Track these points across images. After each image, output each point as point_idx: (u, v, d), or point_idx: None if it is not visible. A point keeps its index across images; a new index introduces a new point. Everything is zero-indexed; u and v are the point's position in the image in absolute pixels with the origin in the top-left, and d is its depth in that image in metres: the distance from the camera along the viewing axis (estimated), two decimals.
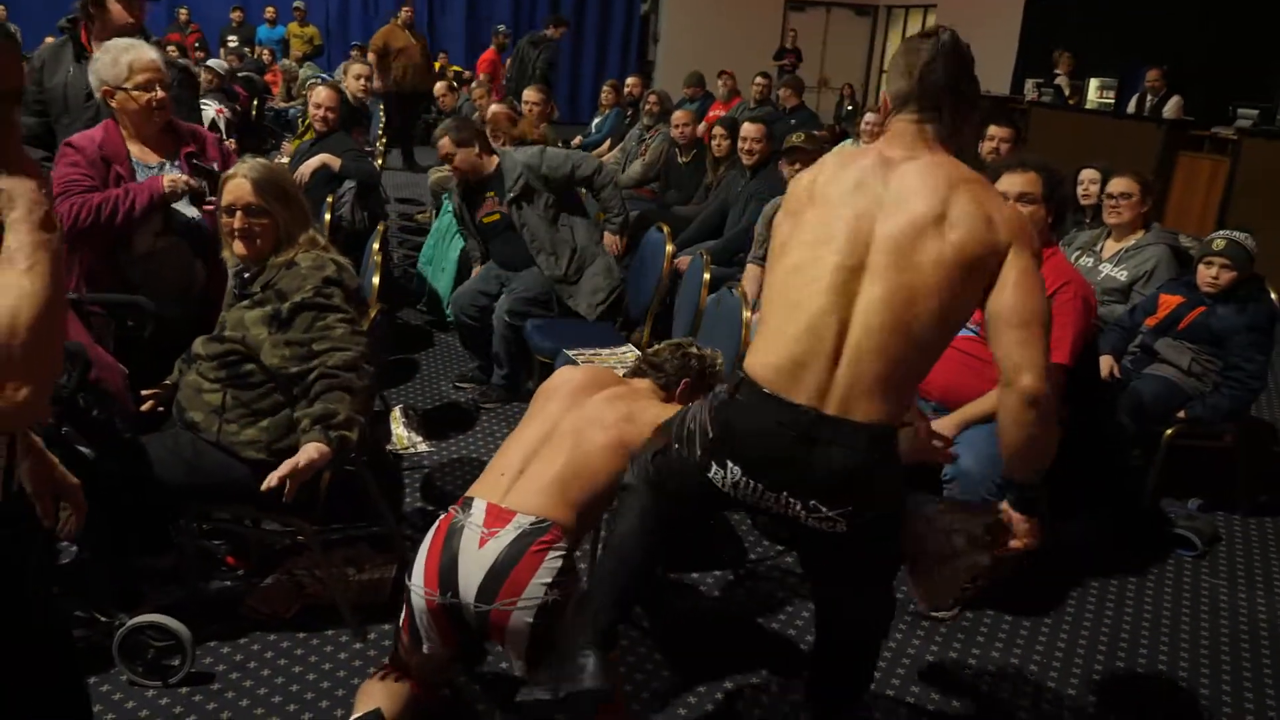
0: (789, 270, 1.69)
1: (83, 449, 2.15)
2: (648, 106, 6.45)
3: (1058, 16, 11.08)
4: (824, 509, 1.61)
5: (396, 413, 3.80)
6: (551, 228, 3.94)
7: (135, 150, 2.80)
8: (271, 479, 2.05)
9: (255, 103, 8.25)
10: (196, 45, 10.37)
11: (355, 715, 2.02)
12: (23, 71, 1.19)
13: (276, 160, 4.01)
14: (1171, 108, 8.15)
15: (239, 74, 8.51)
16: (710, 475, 1.69)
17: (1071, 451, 3.12)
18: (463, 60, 12.65)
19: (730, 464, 1.65)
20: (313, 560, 2.63)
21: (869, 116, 6.14)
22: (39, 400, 1.10)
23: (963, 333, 1.97)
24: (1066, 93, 9.33)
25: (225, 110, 6.11)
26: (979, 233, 1.60)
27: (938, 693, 2.49)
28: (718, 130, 5.25)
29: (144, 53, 2.73)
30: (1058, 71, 9.63)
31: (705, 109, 8.04)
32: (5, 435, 1.24)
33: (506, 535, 1.93)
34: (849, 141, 6.11)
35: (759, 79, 7.64)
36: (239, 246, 2.36)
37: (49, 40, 3.81)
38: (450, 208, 4.79)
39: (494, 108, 5.73)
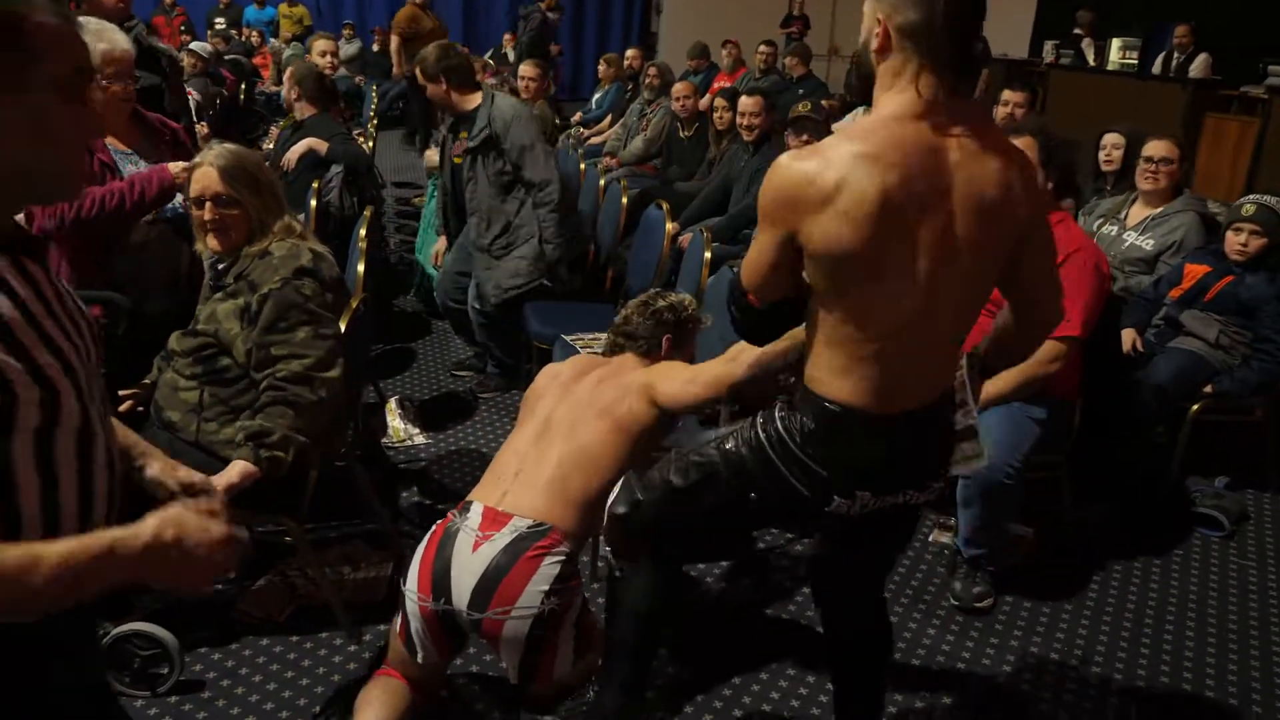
0: (875, 304, 1.49)
1: None
2: (648, 80, 6.29)
3: None
4: (935, 483, 1.67)
5: (392, 404, 3.70)
6: (499, 194, 3.63)
7: (109, 139, 2.70)
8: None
9: (243, 86, 8.09)
10: (182, 28, 10.21)
11: None
12: (85, 48, 1.07)
13: (265, 146, 3.90)
14: (1199, 66, 7.84)
15: (225, 57, 8.34)
16: (831, 507, 1.61)
17: (1094, 430, 3.02)
18: (460, 37, 12.45)
19: (859, 492, 1.61)
20: (305, 560, 2.54)
21: None
22: None
23: None
24: (1089, 55, 9.04)
25: (195, 94, 5.88)
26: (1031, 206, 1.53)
27: (956, 683, 2.38)
28: (719, 102, 5.09)
29: (117, 43, 2.62)
30: (1078, 32, 9.32)
31: (710, 81, 7.85)
32: None
33: (501, 539, 1.83)
34: (861, 109, 5.93)
35: (763, 47, 7.44)
36: (212, 240, 2.25)
37: None
38: (435, 192, 4.67)
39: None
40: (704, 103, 5.70)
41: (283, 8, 11.14)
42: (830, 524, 1.73)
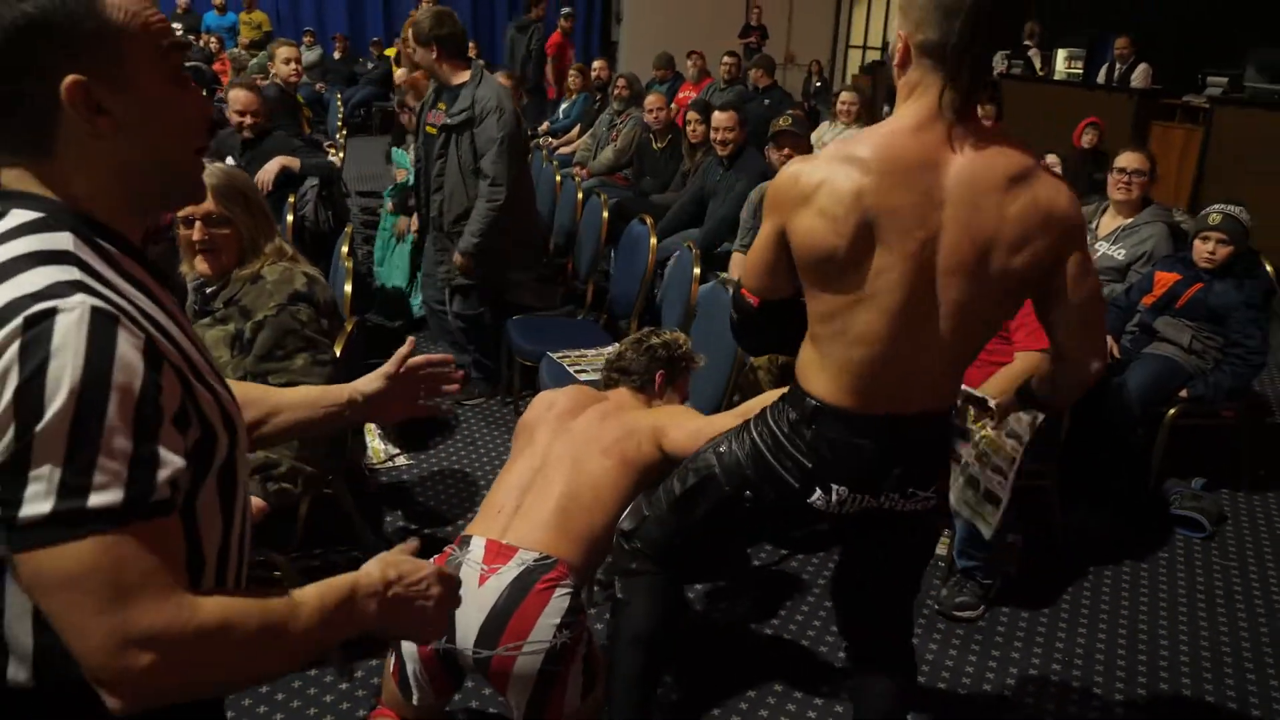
0: (854, 308, 1.50)
1: None
2: (616, 91, 6.27)
3: None
4: (921, 491, 1.65)
5: (371, 425, 3.63)
6: (469, 177, 3.57)
7: None
8: None
9: (205, 94, 7.91)
10: None
11: None
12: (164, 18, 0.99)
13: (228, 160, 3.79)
14: (1140, 76, 8.08)
15: (186, 64, 8.14)
16: (811, 500, 1.65)
17: (1080, 437, 3.07)
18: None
19: (835, 486, 1.63)
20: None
21: (844, 96, 6.03)
22: None
23: None
24: (1037, 64, 9.24)
25: None
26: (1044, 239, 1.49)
27: (962, 699, 2.39)
28: (692, 115, 5.09)
29: None
30: (1027, 42, 9.53)
31: (675, 90, 7.86)
32: None
33: (509, 572, 1.79)
34: (828, 124, 5.98)
35: (727, 58, 7.46)
36: (200, 262, 2.18)
37: None
38: (390, 199, 4.61)
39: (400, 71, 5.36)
40: (674, 112, 5.68)
41: (242, 14, 10.92)
42: (820, 520, 1.73)
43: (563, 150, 6.83)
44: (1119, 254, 3.69)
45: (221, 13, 11.02)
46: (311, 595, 0.94)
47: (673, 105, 6.07)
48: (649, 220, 3.78)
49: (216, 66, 9.37)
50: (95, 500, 0.80)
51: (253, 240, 2.19)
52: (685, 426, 2.04)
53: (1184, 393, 3.31)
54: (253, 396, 1.30)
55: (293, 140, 4.20)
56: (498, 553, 1.82)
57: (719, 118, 4.44)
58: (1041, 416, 1.85)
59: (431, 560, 1.04)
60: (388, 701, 1.96)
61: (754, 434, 1.72)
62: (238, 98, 3.87)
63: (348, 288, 2.70)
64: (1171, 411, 3.29)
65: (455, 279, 3.72)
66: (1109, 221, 3.79)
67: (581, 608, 1.85)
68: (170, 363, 0.88)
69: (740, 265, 3.86)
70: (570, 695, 1.84)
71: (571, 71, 7.76)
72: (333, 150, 4.95)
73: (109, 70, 0.90)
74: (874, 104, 6.28)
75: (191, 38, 9.48)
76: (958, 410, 1.82)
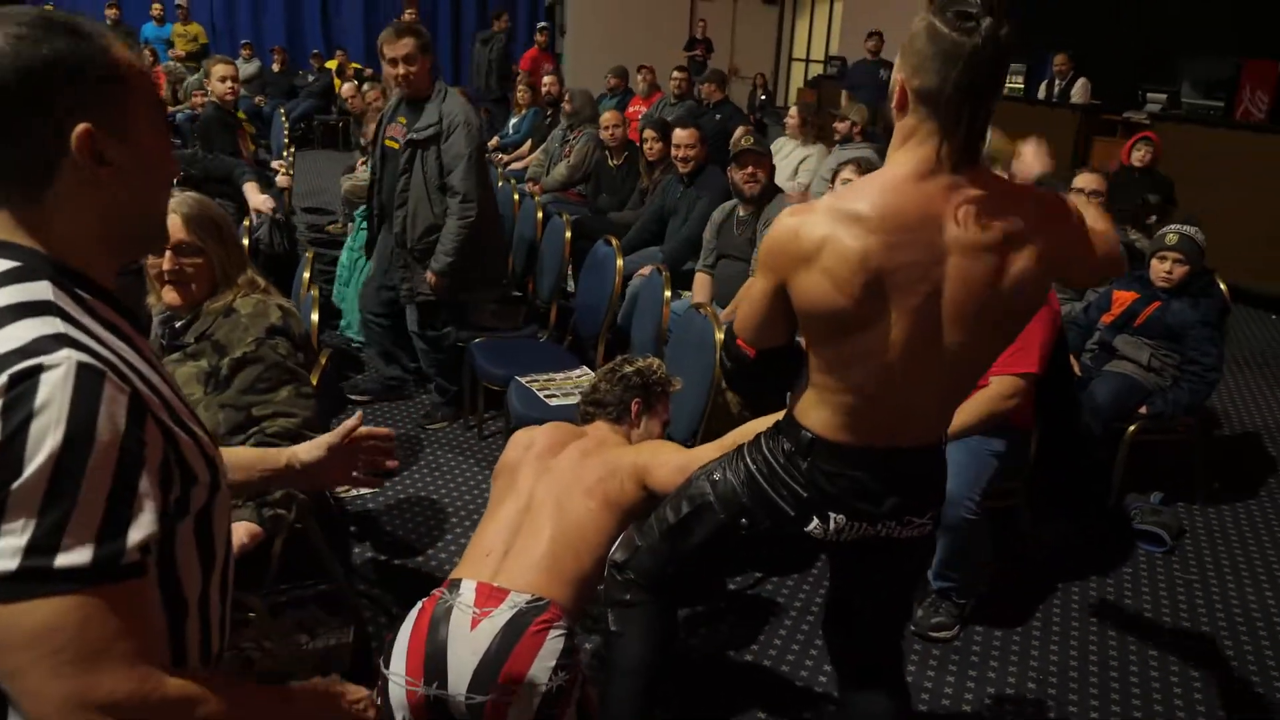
0: (857, 358, 1.51)
1: None
2: (566, 107, 6.23)
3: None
4: (917, 519, 1.66)
5: None
6: (434, 193, 3.53)
7: None
8: None
9: None
10: None
11: None
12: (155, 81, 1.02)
13: None
14: (1079, 91, 8.31)
15: None
16: (809, 529, 1.66)
17: (1047, 454, 3.12)
18: (362, 58, 12.14)
19: (833, 515, 1.63)
20: (261, 631, 2.37)
21: (792, 111, 6.11)
22: None
23: None
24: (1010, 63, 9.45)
25: None
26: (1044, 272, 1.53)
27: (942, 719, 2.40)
28: (649, 134, 5.08)
29: None
30: None
31: (625, 104, 7.85)
32: None
33: (501, 615, 1.74)
34: (784, 139, 6.03)
35: (676, 73, 7.48)
36: (170, 294, 2.08)
37: None
38: (362, 221, 4.52)
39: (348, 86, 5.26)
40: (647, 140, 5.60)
41: (177, 26, 10.63)
42: (815, 548, 1.76)
43: (514, 165, 6.77)
44: None
45: (160, 24, 10.76)
46: (271, 691, 1.00)
47: (624, 117, 6.06)
48: (615, 242, 3.74)
49: None
50: (62, 560, 0.79)
51: (225, 271, 2.11)
52: (669, 464, 2.02)
53: (1144, 409, 3.39)
54: None
55: (230, 162, 4.11)
56: (489, 595, 1.78)
57: (680, 135, 4.44)
58: None
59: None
60: None
61: (749, 461, 1.72)
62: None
63: (314, 317, 2.61)
64: (1132, 428, 3.36)
65: (419, 296, 3.66)
66: None
67: (576, 649, 1.81)
68: (154, 414, 0.87)
69: (705, 287, 3.86)
70: None
71: (520, 86, 7.70)
72: (282, 169, 4.81)
73: (114, 120, 0.91)
74: (820, 116, 6.32)
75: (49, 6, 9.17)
76: None
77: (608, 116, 5.51)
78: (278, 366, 2.02)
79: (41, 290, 0.86)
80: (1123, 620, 2.86)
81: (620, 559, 1.93)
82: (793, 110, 6.19)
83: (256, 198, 3.96)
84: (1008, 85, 9.42)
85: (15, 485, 0.78)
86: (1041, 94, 8.74)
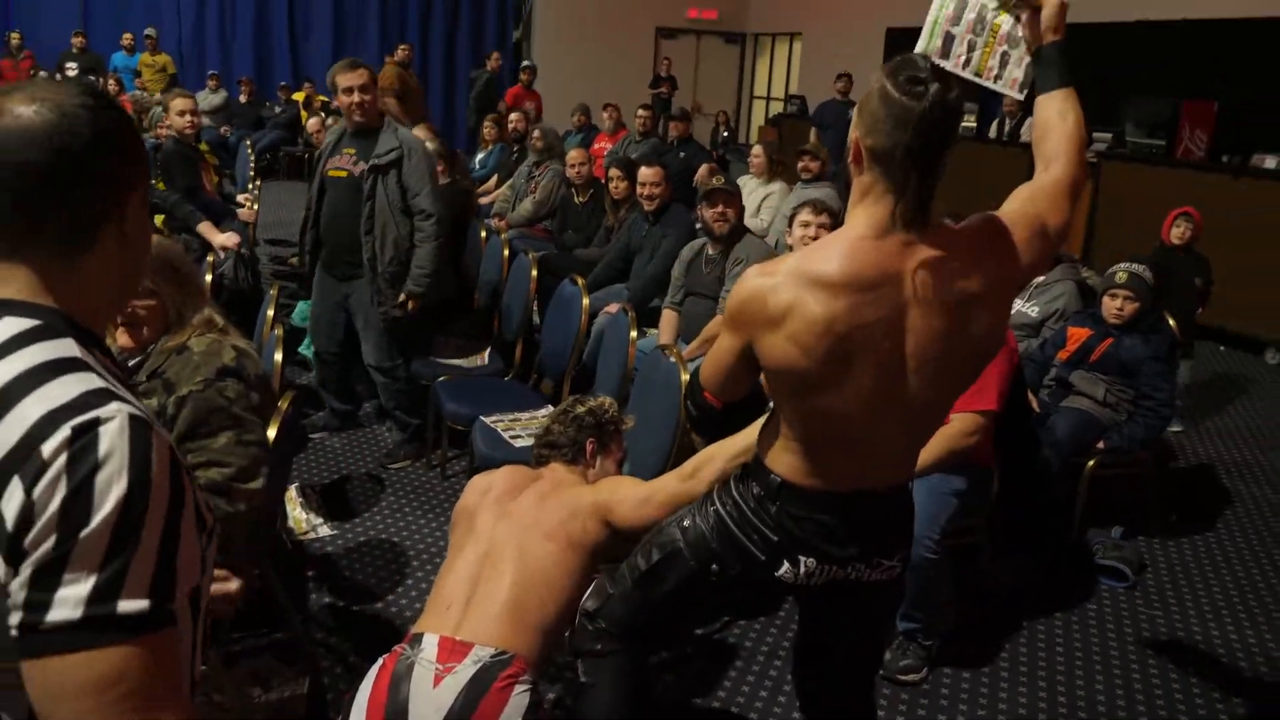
0: (822, 411, 1.54)
1: None
2: (532, 143, 6.26)
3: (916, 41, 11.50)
4: (886, 561, 1.69)
5: (292, 492, 3.46)
6: (399, 215, 3.60)
7: None
8: None
9: None
10: (31, 73, 9.51)
11: None
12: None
13: None
14: (1028, 130, 8.51)
15: None
16: (780, 573, 1.67)
17: (1007, 490, 3.14)
18: (329, 91, 12.12)
19: (803, 559, 1.65)
20: (213, 683, 2.30)
21: (755, 150, 6.19)
22: None
23: None
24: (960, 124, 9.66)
25: None
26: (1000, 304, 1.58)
27: None
28: (614, 172, 5.11)
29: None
30: None
31: (590, 140, 7.91)
32: None
33: (465, 671, 1.71)
34: (749, 177, 6.09)
35: (641, 111, 7.56)
36: (122, 336, 2.03)
37: None
38: None
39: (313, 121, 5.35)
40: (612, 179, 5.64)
41: (145, 56, 10.55)
42: (786, 592, 1.76)
43: (481, 201, 6.77)
44: (1033, 310, 3.84)
45: (130, 53, 10.68)
46: None
47: (590, 154, 6.10)
48: (580, 281, 3.74)
49: None
50: (124, 607, 0.81)
51: (179, 313, 2.07)
52: (630, 498, 2.01)
53: (1101, 444, 3.44)
54: None
55: (186, 203, 4.07)
56: (452, 650, 1.74)
57: (645, 173, 4.47)
58: None
59: None
60: None
61: (718, 506, 1.73)
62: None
63: (278, 357, 2.57)
64: (1090, 463, 3.41)
65: (391, 318, 3.68)
66: None
67: (541, 702, 1.78)
68: (180, 459, 0.90)
69: (671, 325, 3.87)
70: None
71: (486, 122, 7.73)
72: (247, 202, 4.76)
73: (142, 186, 0.98)
74: (782, 153, 6.42)
75: (92, 78, 9.10)
76: None
77: (573, 154, 5.54)
78: (221, 411, 1.98)
79: (68, 347, 0.88)
80: (1090, 657, 2.87)
81: (591, 608, 1.91)
82: (757, 149, 6.27)
83: (218, 236, 3.91)
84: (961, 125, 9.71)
85: (83, 534, 0.80)
86: (993, 133, 8.96)
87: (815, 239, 3.13)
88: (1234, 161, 6.76)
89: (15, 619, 0.80)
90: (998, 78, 1.67)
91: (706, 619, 2.90)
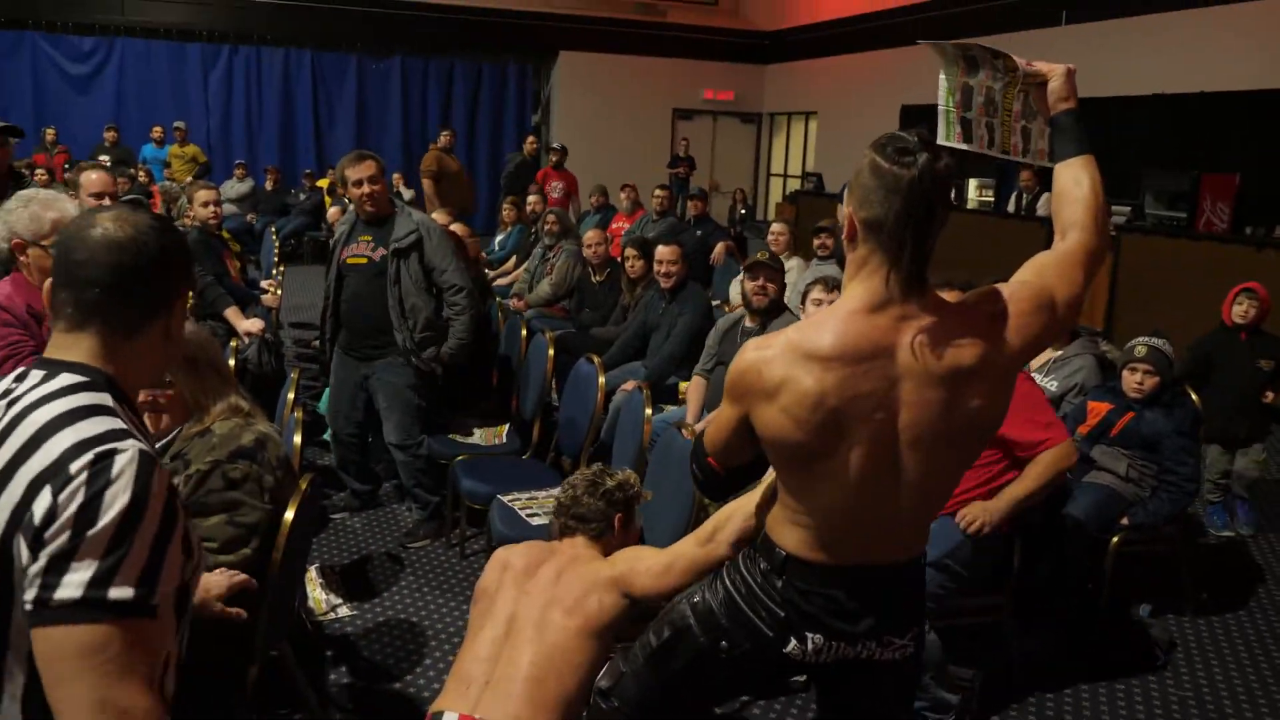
0: (819, 484, 1.56)
1: None
2: (547, 226, 6.39)
3: (932, 116, 11.71)
4: (898, 639, 1.66)
5: (312, 573, 3.47)
6: (426, 295, 3.76)
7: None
8: None
9: None
10: (66, 166, 9.86)
11: None
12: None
13: None
14: (1044, 204, 8.62)
15: (125, 198, 8.06)
16: (788, 650, 1.65)
17: (1028, 567, 3.11)
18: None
19: (810, 635, 1.64)
20: None
21: (775, 227, 6.26)
22: None
23: None
24: (952, 193, 9.77)
25: None
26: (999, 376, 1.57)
27: None
28: (630, 252, 5.20)
29: (67, 211, 2.52)
30: None
31: (608, 220, 8.06)
32: None
33: None
34: (763, 254, 6.15)
35: (659, 191, 7.72)
36: (146, 420, 2.10)
37: None
38: None
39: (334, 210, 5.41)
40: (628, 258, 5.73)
41: (174, 148, 10.95)
42: (797, 670, 1.74)
43: (500, 282, 6.90)
44: (1052, 385, 3.83)
45: (159, 145, 11.07)
46: None
47: (608, 234, 6.21)
48: (596, 360, 3.79)
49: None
50: (114, 593, 1.05)
51: (197, 401, 2.16)
52: (650, 569, 1.99)
53: (1125, 520, 3.40)
54: None
55: (216, 288, 4.19)
56: None
57: (662, 251, 4.56)
58: None
59: None
60: None
61: (727, 582, 1.73)
62: (91, 180, 3.39)
63: (297, 439, 2.62)
64: (1115, 540, 3.36)
65: (429, 371, 3.82)
66: (1041, 354, 3.95)
67: None
68: (178, 497, 1.16)
69: (698, 391, 3.91)
70: None
71: (506, 204, 7.91)
72: (271, 287, 4.88)
73: (187, 293, 1.30)
74: (798, 228, 6.51)
75: (132, 170, 9.42)
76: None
77: (590, 235, 5.65)
78: (218, 493, 2.04)
79: (104, 398, 1.16)
80: None
81: (605, 686, 1.91)
82: (777, 226, 6.30)
83: (242, 323, 4.02)
84: (978, 199, 9.82)
85: (90, 533, 1.05)
86: (1011, 207, 9.04)
87: None
88: (1258, 233, 6.77)
89: (30, 595, 1.04)
90: (1025, 152, 1.72)
91: (724, 699, 2.85)
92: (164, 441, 2.15)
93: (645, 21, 14.33)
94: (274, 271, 5.90)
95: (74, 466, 1.06)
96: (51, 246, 2.46)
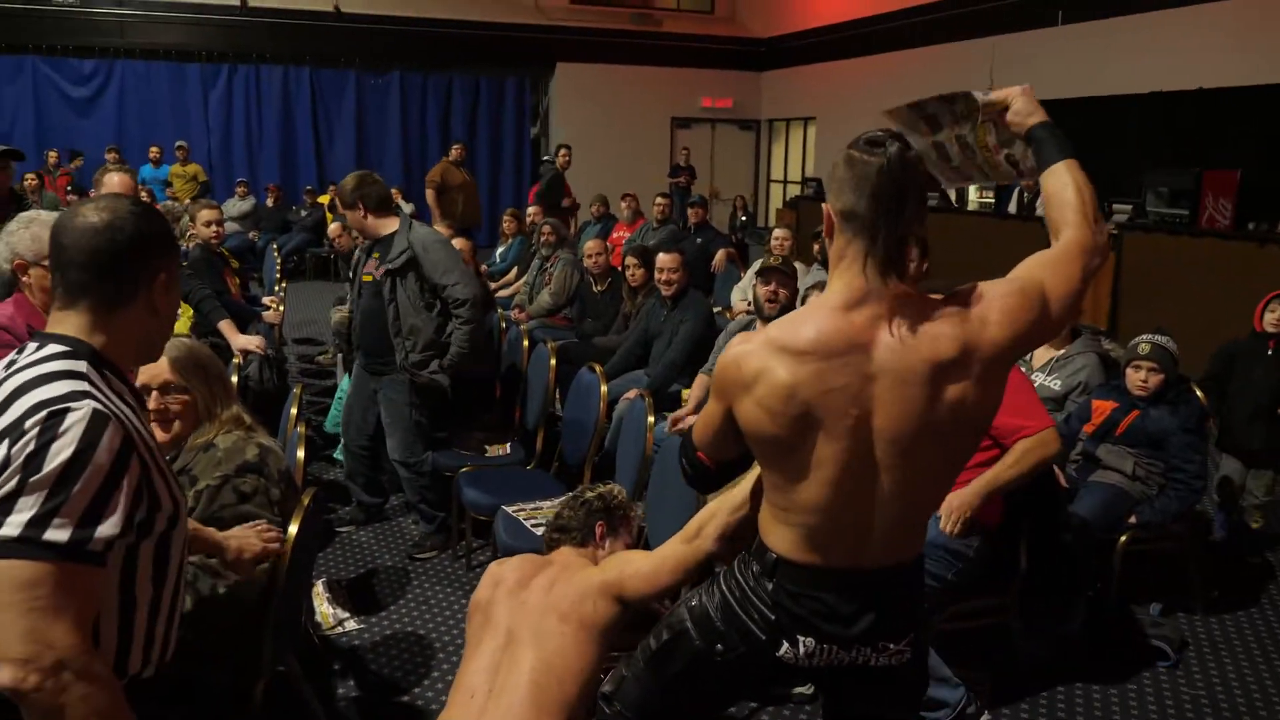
0: (800, 480, 1.56)
1: None
2: (543, 237, 6.40)
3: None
4: (893, 645, 1.65)
5: (320, 587, 3.47)
6: (420, 313, 3.72)
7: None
8: None
9: None
10: (69, 188, 9.91)
11: None
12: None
13: None
14: (1043, 205, 8.61)
15: None
16: (780, 654, 1.65)
17: (1035, 568, 3.09)
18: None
19: (802, 639, 1.63)
20: None
21: (777, 233, 6.26)
22: None
23: None
24: (952, 195, 9.76)
25: None
26: (979, 369, 1.54)
27: None
28: (630, 260, 5.20)
29: None
30: None
31: (609, 229, 8.07)
32: None
33: None
34: (762, 262, 6.15)
35: (660, 199, 7.73)
36: (156, 432, 2.11)
37: None
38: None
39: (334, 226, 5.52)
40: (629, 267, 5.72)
41: (175, 167, 11.00)
42: (794, 675, 1.72)
43: (501, 293, 6.91)
44: (1055, 384, 3.82)
45: (156, 165, 11.12)
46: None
47: (608, 244, 6.21)
48: (598, 369, 3.79)
49: None
50: (49, 535, 1.19)
51: (209, 409, 2.21)
52: (640, 571, 2.01)
53: (1133, 518, 3.38)
54: None
55: (220, 308, 4.20)
56: None
57: (664, 259, 4.56)
58: None
59: None
60: None
61: (723, 585, 1.74)
62: (113, 182, 3.77)
63: (300, 454, 2.62)
64: (1123, 539, 3.35)
65: (419, 377, 3.78)
66: (1042, 353, 3.93)
67: None
68: (138, 453, 1.30)
69: (700, 388, 3.94)
70: None
71: (506, 216, 7.93)
72: (272, 304, 4.89)
73: (169, 270, 1.42)
74: (800, 234, 6.50)
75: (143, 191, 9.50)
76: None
77: (591, 245, 5.66)
78: (230, 507, 2.06)
79: (79, 366, 1.31)
80: None
81: (608, 690, 1.91)
82: (779, 232, 6.30)
83: (238, 338, 4.01)
84: (978, 200, 9.82)
85: (33, 479, 1.18)
86: (1012, 208, 9.04)
87: None
88: (1260, 229, 6.75)
89: None
90: (1020, 174, 1.74)
91: (722, 703, 2.84)
92: (171, 455, 2.17)
93: (642, 31, 14.38)
94: (276, 288, 5.91)
95: (29, 423, 1.20)
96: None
